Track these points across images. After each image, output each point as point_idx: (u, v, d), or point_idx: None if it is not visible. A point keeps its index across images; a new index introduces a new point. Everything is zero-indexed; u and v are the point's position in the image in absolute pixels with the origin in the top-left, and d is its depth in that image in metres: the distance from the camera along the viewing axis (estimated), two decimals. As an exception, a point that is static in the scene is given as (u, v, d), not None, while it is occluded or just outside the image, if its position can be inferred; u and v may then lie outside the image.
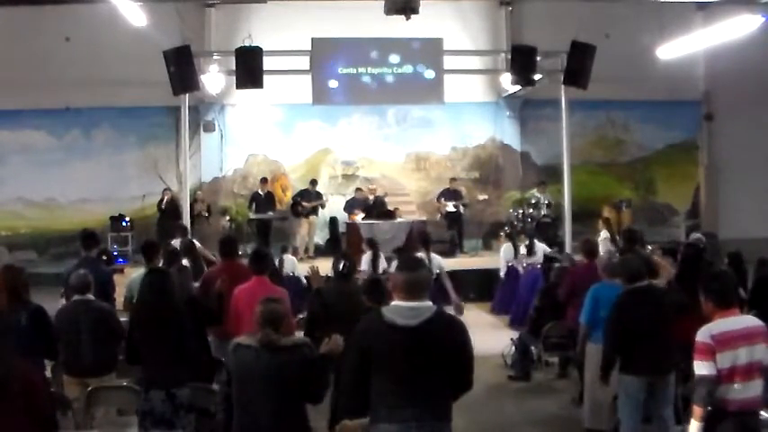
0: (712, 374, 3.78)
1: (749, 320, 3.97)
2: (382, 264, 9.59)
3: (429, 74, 13.17)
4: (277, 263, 10.62)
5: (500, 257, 11.55)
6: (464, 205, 14.40)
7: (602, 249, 8.90)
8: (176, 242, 9.82)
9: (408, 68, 13.13)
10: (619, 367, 5.21)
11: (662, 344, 5.05)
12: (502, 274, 11.50)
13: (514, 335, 8.61)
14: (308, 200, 14.09)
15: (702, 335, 3.85)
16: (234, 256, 6.78)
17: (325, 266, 9.96)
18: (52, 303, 5.95)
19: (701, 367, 3.81)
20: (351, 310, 4.95)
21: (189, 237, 10.59)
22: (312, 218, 14.21)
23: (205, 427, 5.01)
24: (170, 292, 5.00)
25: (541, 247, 10.95)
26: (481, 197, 14.80)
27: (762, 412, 3.99)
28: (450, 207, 14.19)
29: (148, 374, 4.85)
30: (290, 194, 15.16)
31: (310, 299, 5.87)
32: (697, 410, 3.81)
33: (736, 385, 3.80)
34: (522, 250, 10.91)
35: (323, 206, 14.40)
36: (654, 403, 5.13)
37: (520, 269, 10.99)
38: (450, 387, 3.50)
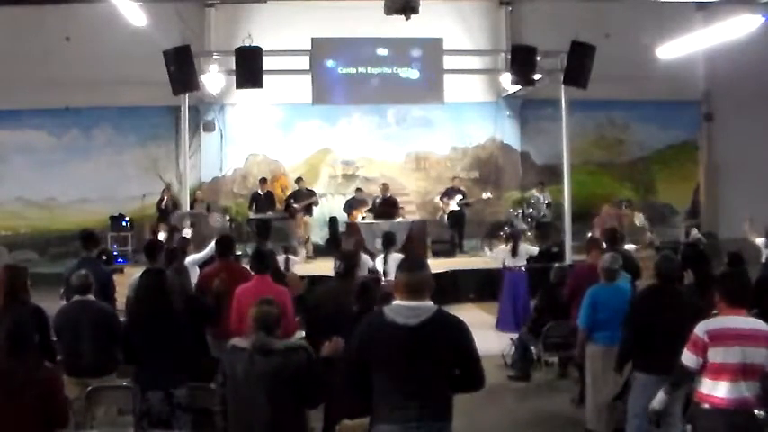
0: (692, 367, 4.00)
1: (752, 322, 3.99)
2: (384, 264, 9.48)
3: (429, 74, 13.17)
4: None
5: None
6: (467, 204, 14.38)
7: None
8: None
9: (408, 68, 13.13)
10: (633, 365, 5.19)
11: (680, 344, 5.00)
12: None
13: (514, 335, 8.61)
14: (299, 200, 14.03)
15: (699, 328, 3.99)
16: (230, 256, 6.75)
17: (324, 266, 9.99)
18: (52, 303, 5.95)
19: (686, 357, 4.04)
20: (335, 312, 4.96)
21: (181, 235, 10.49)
22: (306, 217, 14.14)
23: (203, 428, 4.99)
24: (167, 291, 4.99)
25: (525, 249, 10.82)
26: (485, 195, 14.74)
27: (758, 412, 4.00)
28: (454, 206, 14.16)
29: (146, 375, 4.84)
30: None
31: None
32: (666, 388, 4.25)
33: (725, 382, 3.87)
34: (505, 253, 10.70)
35: (316, 204, 14.34)
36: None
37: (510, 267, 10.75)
38: (459, 385, 3.50)
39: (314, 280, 9.41)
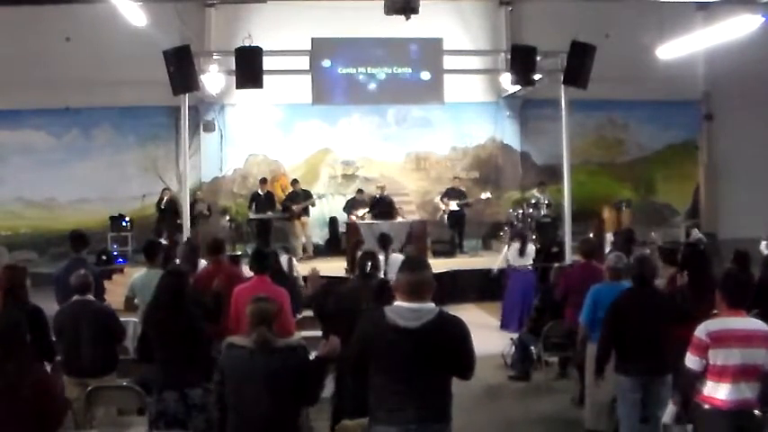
0: (696, 370, 3.97)
1: (752, 323, 4.00)
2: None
3: (428, 74, 13.16)
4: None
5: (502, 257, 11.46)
6: (467, 204, 14.39)
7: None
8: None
9: (408, 68, 13.10)
10: (614, 367, 5.21)
11: (657, 346, 5.02)
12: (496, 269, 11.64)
13: (514, 335, 8.62)
14: (296, 202, 14.00)
15: (700, 330, 3.98)
16: (220, 255, 6.71)
17: (323, 266, 9.97)
18: (52, 303, 5.95)
19: (689, 360, 4.01)
20: (356, 311, 4.94)
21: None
22: (304, 218, 14.12)
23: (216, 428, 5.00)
24: (186, 294, 5.01)
25: (532, 250, 10.82)
26: (484, 195, 14.76)
27: (757, 412, 4.01)
28: (454, 206, 14.16)
29: (162, 375, 4.84)
30: (289, 194, 15.16)
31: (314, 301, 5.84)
32: (675, 397, 4.18)
33: (727, 384, 3.88)
34: (513, 252, 10.70)
35: (313, 205, 14.34)
36: (649, 403, 5.13)
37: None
38: (450, 370, 3.49)
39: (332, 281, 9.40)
